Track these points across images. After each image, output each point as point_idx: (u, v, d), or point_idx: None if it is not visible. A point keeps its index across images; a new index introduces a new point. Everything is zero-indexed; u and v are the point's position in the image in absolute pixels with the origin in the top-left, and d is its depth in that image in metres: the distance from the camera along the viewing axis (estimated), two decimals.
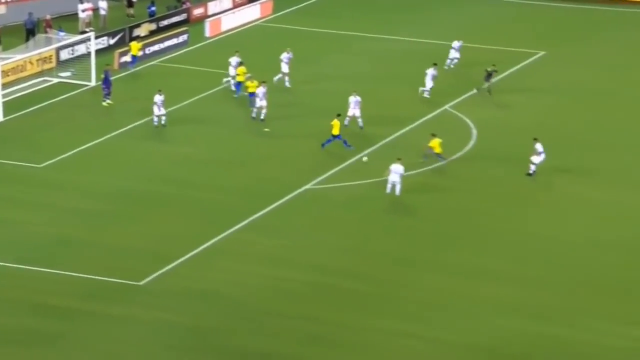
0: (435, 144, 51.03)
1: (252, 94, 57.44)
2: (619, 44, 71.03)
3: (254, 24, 74.78)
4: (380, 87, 60.66)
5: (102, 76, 59.60)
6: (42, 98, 60.02)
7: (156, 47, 67.60)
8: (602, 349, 37.24)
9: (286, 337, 37.88)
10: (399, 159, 48.08)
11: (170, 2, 76.44)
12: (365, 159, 51.49)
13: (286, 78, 61.46)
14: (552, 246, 44.31)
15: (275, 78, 61.28)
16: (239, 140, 55.07)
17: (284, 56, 61.59)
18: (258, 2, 76.06)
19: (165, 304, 39.85)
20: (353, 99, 55.18)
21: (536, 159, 49.76)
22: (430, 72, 59.81)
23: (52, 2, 71.65)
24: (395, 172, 47.69)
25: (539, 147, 49.65)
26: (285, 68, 61.38)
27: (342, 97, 56.89)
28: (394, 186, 47.88)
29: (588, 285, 41.39)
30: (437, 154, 51.13)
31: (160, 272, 41.84)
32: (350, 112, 55.12)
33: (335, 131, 52.41)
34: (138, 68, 64.98)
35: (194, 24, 73.19)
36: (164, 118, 55.47)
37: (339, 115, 53.06)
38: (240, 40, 70.45)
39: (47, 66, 63.43)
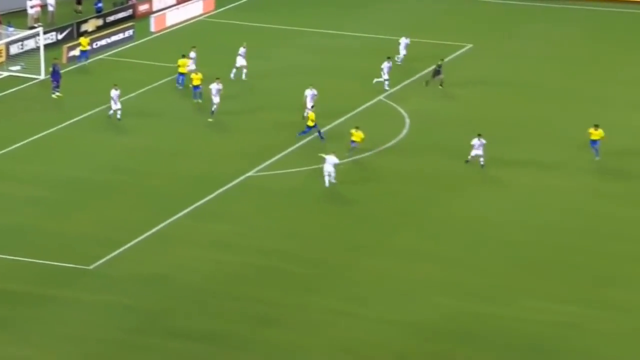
0: (357, 136, 50.55)
1: (197, 87, 56.88)
2: (542, 37, 71.42)
3: (197, 19, 74.15)
4: (323, 80, 60.21)
5: (51, 69, 58.92)
6: None
7: (103, 42, 66.88)
8: (532, 324, 37.34)
9: (232, 317, 37.54)
10: (332, 152, 47.80)
11: None
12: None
13: (244, 71, 60.94)
14: (485, 229, 44.37)
15: (232, 73, 60.79)
16: (185, 131, 54.56)
17: (241, 51, 61.01)
18: None
19: (114, 287, 39.34)
20: (309, 92, 54.60)
21: (475, 152, 49.47)
22: (386, 65, 59.64)
23: None
24: (329, 163, 47.35)
25: (476, 142, 49.34)
26: (242, 61, 60.80)
27: (287, 91, 56.38)
28: (330, 176, 47.50)
29: (519, 265, 41.50)
30: (352, 141, 50.35)
31: (109, 256, 41.31)
32: (309, 105, 54.42)
33: (311, 123, 51.84)
34: (86, 62, 64.17)
35: (139, 19, 72.45)
36: (119, 112, 54.70)
37: (312, 106, 52.68)
38: (184, 36, 69.86)
39: None
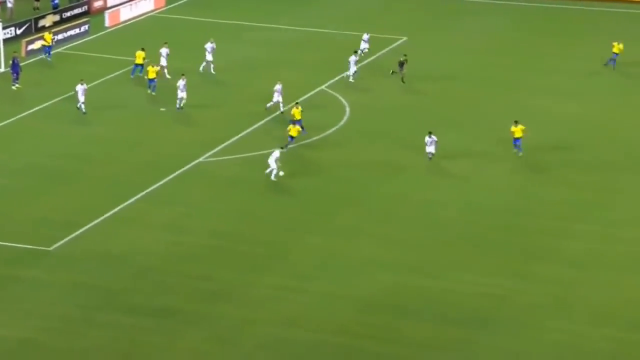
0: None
1: (152, 80, 56.45)
2: (475, 31, 71.72)
3: (149, 15, 73.54)
4: (272, 72, 59.80)
5: (11, 62, 58.18)
6: None
7: (60, 37, 66.13)
8: (465, 296, 37.64)
9: (185, 294, 37.39)
10: (281, 148, 47.53)
11: None
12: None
13: (211, 65, 60.37)
14: (422, 209, 44.54)
15: (201, 67, 60.34)
16: (140, 121, 54.15)
17: (208, 45, 60.33)
18: None
19: (74, 267, 39.04)
20: (278, 87, 54.28)
21: (428, 149, 49.33)
22: (352, 59, 59.43)
23: None
24: (273, 158, 46.59)
25: (428, 139, 49.20)
26: (209, 57, 60.14)
27: (241, 84, 56.00)
28: (274, 169, 46.78)
29: (453, 242, 41.76)
30: (290, 137, 49.80)
31: (69, 238, 40.96)
32: (275, 99, 54.13)
33: (297, 117, 50.98)
34: (43, 55, 63.39)
35: (94, 15, 71.71)
36: (83, 105, 53.87)
37: (297, 103, 52.43)
38: (137, 31, 69.39)
39: None
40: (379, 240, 41.70)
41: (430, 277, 39.03)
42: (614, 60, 62.31)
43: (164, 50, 59.32)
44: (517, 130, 49.74)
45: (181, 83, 54.54)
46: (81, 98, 53.76)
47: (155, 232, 42.01)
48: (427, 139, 49.18)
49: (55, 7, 71.56)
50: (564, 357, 34.48)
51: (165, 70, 58.77)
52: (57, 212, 43.27)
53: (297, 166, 48.44)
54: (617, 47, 62.35)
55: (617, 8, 77.29)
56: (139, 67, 58.80)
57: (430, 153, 49.10)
